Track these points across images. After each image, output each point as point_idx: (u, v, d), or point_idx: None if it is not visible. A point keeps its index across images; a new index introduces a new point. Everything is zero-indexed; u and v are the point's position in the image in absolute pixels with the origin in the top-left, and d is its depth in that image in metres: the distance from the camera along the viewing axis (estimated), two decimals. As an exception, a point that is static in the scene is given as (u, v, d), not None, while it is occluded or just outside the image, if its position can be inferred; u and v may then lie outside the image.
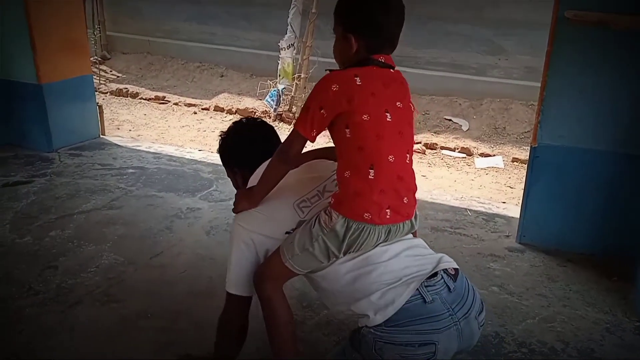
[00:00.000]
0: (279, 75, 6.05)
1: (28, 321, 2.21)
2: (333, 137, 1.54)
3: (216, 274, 2.53)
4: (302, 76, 5.96)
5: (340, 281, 1.56)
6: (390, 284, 1.50)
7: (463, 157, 5.14)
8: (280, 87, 5.99)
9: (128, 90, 6.77)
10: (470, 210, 3.41)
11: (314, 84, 5.71)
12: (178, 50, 7.67)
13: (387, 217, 1.49)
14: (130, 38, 8.00)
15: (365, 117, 1.45)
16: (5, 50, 4.01)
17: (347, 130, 1.47)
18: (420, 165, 4.93)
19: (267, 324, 1.66)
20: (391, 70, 1.54)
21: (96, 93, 4.73)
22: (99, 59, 7.46)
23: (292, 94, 6.01)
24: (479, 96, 6.07)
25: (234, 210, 1.70)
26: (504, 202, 3.83)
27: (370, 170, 1.46)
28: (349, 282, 1.54)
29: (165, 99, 6.60)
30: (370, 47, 1.51)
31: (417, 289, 1.48)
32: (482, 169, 4.92)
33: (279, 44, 5.98)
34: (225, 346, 1.81)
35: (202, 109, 6.37)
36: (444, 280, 1.53)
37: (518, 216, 3.05)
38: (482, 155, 5.17)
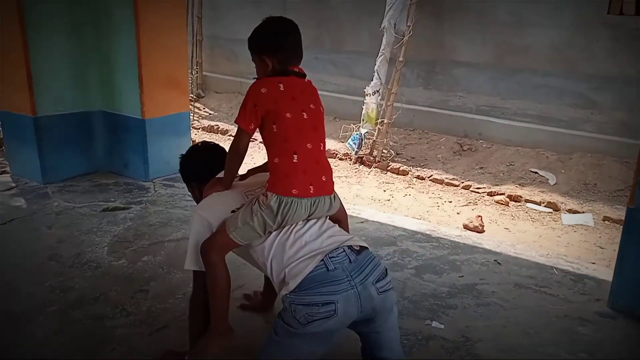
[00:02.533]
0: (363, 120, 6.17)
1: (120, 340, 2.35)
2: (263, 134, 1.95)
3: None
4: (385, 122, 6.04)
5: (271, 251, 1.92)
6: (302, 258, 1.86)
7: (549, 212, 4.95)
8: (363, 131, 6.09)
9: (219, 127, 7.15)
10: (557, 268, 3.27)
11: (396, 129, 5.76)
12: (267, 91, 8.03)
13: (311, 191, 1.91)
14: (223, 78, 8.51)
15: (288, 115, 1.89)
16: (116, 85, 4.40)
17: (274, 126, 1.89)
18: (502, 217, 4.80)
19: (209, 287, 1.98)
20: (304, 80, 2.00)
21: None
22: (194, 96, 7.96)
23: (374, 138, 6.09)
24: (569, 150, 5.86)
25: (207, 192, 2.11)
26: (593, 263, 3.63)
27: (294, 156, 1.88)
28: (278, 253, 1.91)
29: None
30: (282, 61, 1.96)
31: (322, 259, 1.83)
32: (569, 225, 4.70)
33: (365, 89, 6.12)
34: (197, 325, 2.11)
35: (286, 148, 6.59)
36: (346, 253, 1.88)
37: (610, 279, 2.88)
38: (570, 211, 4.95)
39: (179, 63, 4.55)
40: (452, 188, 5.44)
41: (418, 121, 6.73)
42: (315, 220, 2.00)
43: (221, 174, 2.12)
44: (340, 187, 5.34)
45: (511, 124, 6.27)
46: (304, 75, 2.01)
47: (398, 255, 3.34)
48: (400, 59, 5.94)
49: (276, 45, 1.96)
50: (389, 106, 6.05)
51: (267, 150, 1.96)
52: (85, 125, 4.47)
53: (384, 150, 6.08)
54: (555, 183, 5.46)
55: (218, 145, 2.31)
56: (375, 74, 6.10)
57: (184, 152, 2.36)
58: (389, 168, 5.87)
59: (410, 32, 5.89)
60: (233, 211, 1.99)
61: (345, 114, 7.12)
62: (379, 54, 6.08)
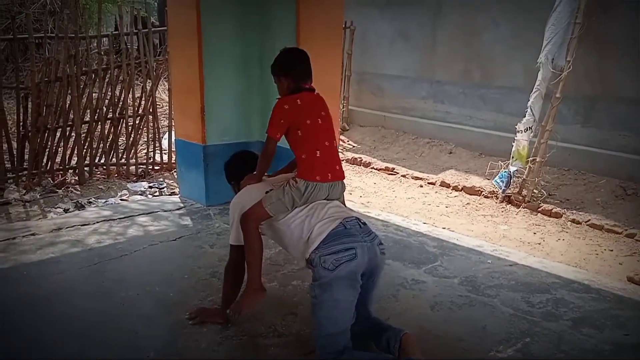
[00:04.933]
0: (512, 157, 5.92)
1: (273, 358, 2.49)
2: (289, 139, 2.59)
3: (438, 352, 2.52)
4: (538, 160, 5.72)
5: (296, 221, 2.47)
6: (323, 220, 2.42)
7: None
8: (513, 169, 5.83)
9: (362, 160, 7.32)
10: None
11: (549, 168, 5.47)
12: (410, 126, 8.09)
13: (329, 177, 2.55)
14: (368, 112, 8.72)
15: (308, 121, 2.55)
16: (266, 114, 4.72)
17: (299, 132, 2.55)
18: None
19: (246, 251, 2.54)
20: (314, 93, 2.66)
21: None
22: (340, 129, 8.25)
23: (525, 177, 5.80)
24: None
25: (242, 184, 2.70)
26: None
27: (317, 151, 2.53)
28: (302, 222, 2.46)
29: (394, 171, 6.95)
30: (296, 80, 2.62)
31: (341, 222, 2.40)
32: None
33: (516, 126, 5.88)
34: (229, 288, 2.70)
35: (429, 183, 6.53)
36: (357, 221, 2.47)
37: None
38: None
39: (331, 99, 4.71)
40: (613, 235, 4.97)
41: (574, 161, 6.28)
42: (333, 202, 2.57)
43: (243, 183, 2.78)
44: (485, 227, 5.14)
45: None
46: (314, 90, 2.65)
47: (552, 305, 3.12)
48: (557, 95, 5.63)
49: (288, 68, 2.64)
50: (543, 144, 5.74)
51: (294, 150, 2.58)
52: (244, 154, 4.85)
53: (534, 190, 5.75)
54: None
55: (250, 152, 2.95)
56: (529, 110, 5.84)
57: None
58: (539, 209, 5.53)
59: (569, 67, 5.57)
60: (267, 192, 2.54)
61: (492, 150, 6.89)
62: (534, 90, 5.82)
